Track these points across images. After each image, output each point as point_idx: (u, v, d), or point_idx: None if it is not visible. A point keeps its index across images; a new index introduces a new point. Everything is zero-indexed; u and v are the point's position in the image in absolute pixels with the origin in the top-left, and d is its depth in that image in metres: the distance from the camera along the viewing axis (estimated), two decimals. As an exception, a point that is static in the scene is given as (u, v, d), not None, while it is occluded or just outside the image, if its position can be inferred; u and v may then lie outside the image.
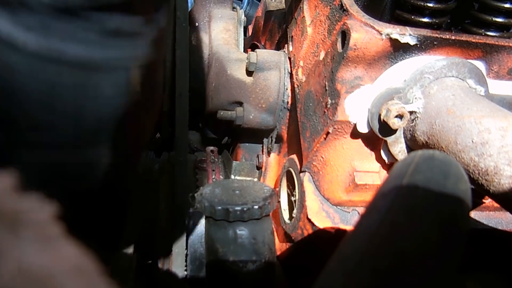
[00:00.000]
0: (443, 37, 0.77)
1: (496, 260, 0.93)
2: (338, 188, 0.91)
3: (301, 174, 0.98)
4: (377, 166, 0.90)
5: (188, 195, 1.04)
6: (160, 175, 1.15)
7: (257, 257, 0.76)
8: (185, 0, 1.15)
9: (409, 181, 0.43)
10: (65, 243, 0.22)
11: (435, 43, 0.78)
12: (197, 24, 1.29)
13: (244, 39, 1.33)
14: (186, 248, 0.99)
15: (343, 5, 0.80)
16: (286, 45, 1.15)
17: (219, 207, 0.76)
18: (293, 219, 1.00)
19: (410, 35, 0.75)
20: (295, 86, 1.05)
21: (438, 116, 0.74)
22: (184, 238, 0.97)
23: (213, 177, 1.24)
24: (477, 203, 0.92)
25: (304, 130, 0.96)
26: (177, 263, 0.96)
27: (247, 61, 1.13)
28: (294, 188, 1.02)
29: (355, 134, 0.85)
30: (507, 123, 0.66)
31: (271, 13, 1.35)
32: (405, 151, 0.84)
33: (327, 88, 0.85)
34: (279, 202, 1.09)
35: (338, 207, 0.94)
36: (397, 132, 0.81)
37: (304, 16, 1.00)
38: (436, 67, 0.78)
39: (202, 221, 1.08)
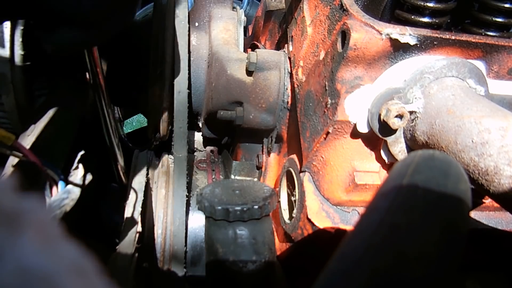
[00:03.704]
0: (443, 37, 0.77)
1: (496, 260, 0.93)
2: (338, 188, 0.91)
3: (301, 174, 0.98)
4: (377, 166, 0.90)
5: (188, 192, 1.04)
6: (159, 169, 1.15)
7: (257, 257, 0.76)
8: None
9: (409, 181, 0.43)
10: (65, 243, 0.22)
11: (435, 43, 0.78)
12: (197, 24, 1.29)
13: (244, 39, 1.33)
14: (186, 246, 0.99)
15: (343, 5, 0.80)
16: (286, 45, 1.15)
17: (219, 207, 0.76)
18: (293, 219, 1.00)
19: (410, 35, 0.75)
20: (295, 86, 1.05)
21: (438, 116, 0.74)
22: (183, 237, 0.98)
23: (213, 177, 1.25)
24: (477, 203, 0.92)
25: (304, 130, 0.97)
26: (177, 263, 0.96)
27: (247, 61, 1.13)
28: (294, 188, 1.02)
29: (355, 134, 0.85)
30: (507, 123, 0.66)
31: (271, 13, 1.35)
32: (405, 151, 0.84)
33: (327, 88, 0.85)
34: (279, 202, 1.09)
35: (338, 207, 0.94)
36: (397, 132, 0.81)
37: (304, 16, 1.00)
38: (436, 67, 0.78)
39: (202, 221, 1.08)
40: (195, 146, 1.41)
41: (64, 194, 0.70)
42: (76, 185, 0.73)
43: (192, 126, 1.38)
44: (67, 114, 1.29)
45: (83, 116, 1.47)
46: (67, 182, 0.72)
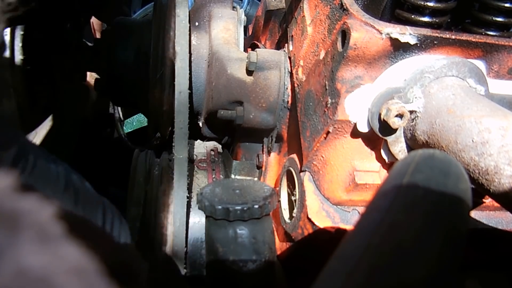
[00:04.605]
0: (443, 36, 0.77)
1: (496, 259, 0.93)
2: (338, 188, 0.91)
3: (301, 174, 0.98)
4: (377, 165, 0.90)
5: (189, 194, 1.04)
6: (159, 183, 1.14)
7: (257, 257, 0.76)
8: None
9: (409, 181, 0.43)
10: (65, 243, 0.22)
11: (435, 42, 0.78)
12: (197, 23, 1.29)
13: (244, 39, 1.33)
14: (186, 247, 0.99)
15: (343, 4, 0.80)
16: (286, 45, 1.15)
17: (219, 207, 0.76)
18: (293, 219, 1.00)
19: (410, 34, 0.75)
20: (295, 85, 1.05)
21: (438, 115, 0.74)
22: (184, 237, 0.98)
23: (213, 176, 1.24)
24: (477, 203, 0.92)
25: (304, 129, 0.96)
26: (177, 262, 0.96)
27: (247, 60, 1.13)
28: (294, 188, 1.02)
29: (355, 133, 0.85)
30: (507, 122, 0.66)
31: (271, 12, 1.35)
32: (405, 150, 0.84)
33: (327, 87, 0.85)
34: (279, 201, 1.09)
35: (338, 206, 0.94)
36: (397, 131, 0.81)
37: (304, 16, 1.00)
38: (436, 67, 0.78)
39: (202, 220, 1.08)
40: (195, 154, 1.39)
41: None
42: None
43: (193, 135, 1.36)
44: (69, 117, 1.29)
45: (85, 117, 1.47)
46: None
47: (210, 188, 0.83)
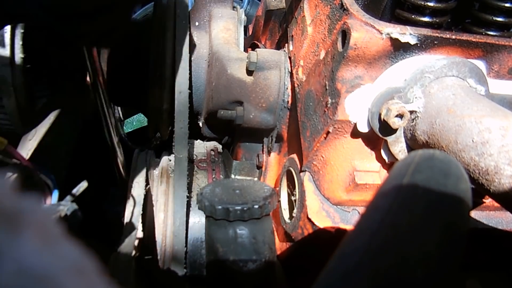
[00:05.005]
0: (444, 36, 0.77)
1: (496, 259, 0.93)
2: (338, 188, 0.91)
3: (301, 174, 0.98)
4: (377, 165, 0.90)
5: (188, 193, 1.04)
6: (159, 183, 1.14)
7: (257, 257, 0.76)
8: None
9: (409, 181, 0.43)
10: (65, 243, 0.22)
11: (435, 42, 0.78)
12: (197, 23, 1.29)
13: (244, 39, 1.33)
14: (186, 247, 0.99)
15: (344, 4, 0.80)
16: (286, 45, 1.15)
17: (219, 207, 0.76)
18: (293, 219, 1.00)
19: (410, 34, 0.75)
20: (296, 85, 1.05)
21: (439, 115, 0.74)
22: (184, 237, 0.98)
23: (213, 176, 1.24)
24: (477, 203, 0.91)
25: (304, 129, 0.96)
26: (177, 263, 0.96)
27: (247, 60, 1.13)
28: (294, 188, 1.02)
29: (355, 133, 0.85)
30: (507, 122, 0.66)
31: (272, 12, 1.35)
32: (405, 150, 0.84)
33: (327, 87, 0.85)
34: (279, 201, 1.09)
35: (338, 206, 0.94)
36: (397, 131, 0.81)
37: (304, 16, 1.00)
38: (436, 67, 0.78)
39: (202, 220, 1.08)
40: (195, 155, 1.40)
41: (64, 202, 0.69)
42: (73, 197, 0.71)
43: (193, 135, 1.36)
44: (69, 117, 1.28)
45: (84, 116, 1.46)
46: (62, 190, 0.71)
47: (210, 188, 0.83)
